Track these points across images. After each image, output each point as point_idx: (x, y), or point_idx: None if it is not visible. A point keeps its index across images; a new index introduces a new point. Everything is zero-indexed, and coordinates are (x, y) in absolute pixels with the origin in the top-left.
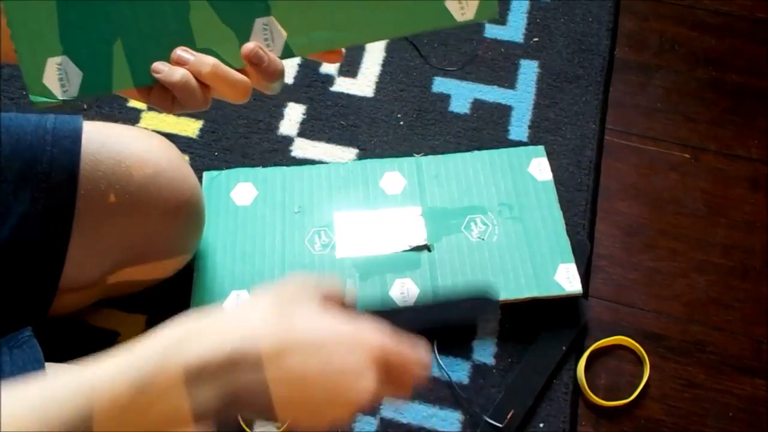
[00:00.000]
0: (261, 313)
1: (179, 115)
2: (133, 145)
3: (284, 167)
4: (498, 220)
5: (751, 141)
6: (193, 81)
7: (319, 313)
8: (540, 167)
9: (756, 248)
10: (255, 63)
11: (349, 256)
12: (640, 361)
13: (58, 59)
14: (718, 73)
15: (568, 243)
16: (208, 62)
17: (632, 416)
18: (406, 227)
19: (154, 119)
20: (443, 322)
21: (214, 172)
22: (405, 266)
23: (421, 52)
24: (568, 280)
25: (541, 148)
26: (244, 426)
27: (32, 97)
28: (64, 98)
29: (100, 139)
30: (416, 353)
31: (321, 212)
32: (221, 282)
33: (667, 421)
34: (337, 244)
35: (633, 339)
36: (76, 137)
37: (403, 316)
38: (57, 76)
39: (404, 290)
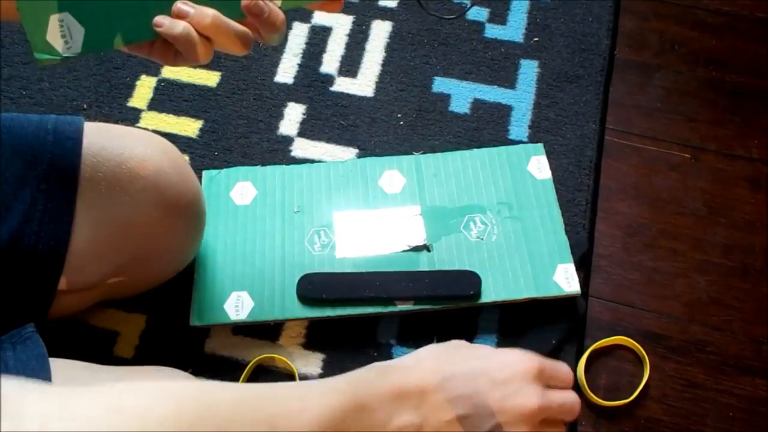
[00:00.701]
0: (430, 356)
1: (195, 67)
2: (134, 147)
3: (284, 166)
4: (497, 220)
5: (751, 141)
6: (194, 34)
7: (474, 349)
8: (539, 165)
9: (756, 248)
10: (256, 14)
11: (348, 256)
12: (640, 361)
13: (60, 16)
14: (718, 73)
15: (567, 243)
16: (208, 14)
17: (632, 416)
18: (405, 227)
19: (154, 119)
20: (433, 290)
21: (213, 171)
22: (404, 266)
23: (422, 3)
24: (566, 280)
25: (540, 146)
26: None
27: (37, 55)
28: (68, 55)
29: (102, 141)
30: (562, 366)
31: (320, 212)
32: (221, 283)
33: (667, 421)
34: (336, 245)
35: (633, 339)
36: (77, 138)
37: (400, 279)
38: (60, 33)
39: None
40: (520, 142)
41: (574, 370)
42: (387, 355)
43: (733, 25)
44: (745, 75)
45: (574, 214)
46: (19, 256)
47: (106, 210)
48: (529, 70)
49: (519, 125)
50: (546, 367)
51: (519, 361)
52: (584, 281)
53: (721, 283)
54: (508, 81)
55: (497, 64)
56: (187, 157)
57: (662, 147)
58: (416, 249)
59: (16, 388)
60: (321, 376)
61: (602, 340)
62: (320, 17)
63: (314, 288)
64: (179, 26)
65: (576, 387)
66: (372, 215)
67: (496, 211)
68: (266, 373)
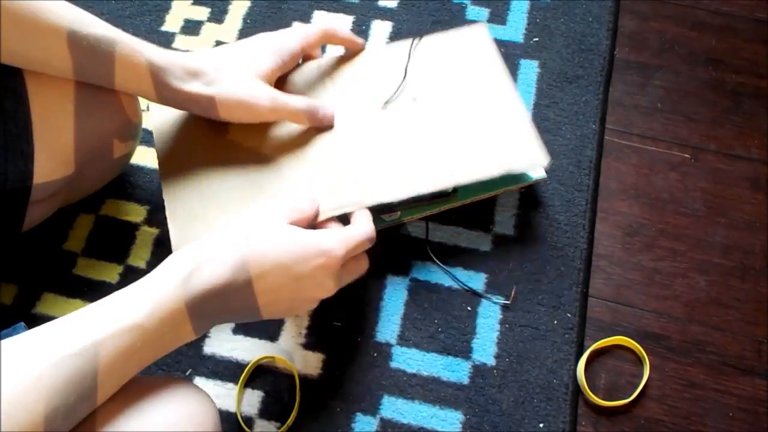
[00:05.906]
0: (236, 247)
1: None
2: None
3: None
4: None
5: (751, 141)
6: None
7: (285, 235)
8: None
9: (756, 248)
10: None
11: None
12: (640, 361)
13: None
14: (718, 73)
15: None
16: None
17: (632, 416)
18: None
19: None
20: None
21: None
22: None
23: None
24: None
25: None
26: (244, 426)
27: None
28: None
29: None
30: (363, 232)
31: None
32: None
33: (667, 421)
34: None
35: (633, 339)
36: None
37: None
38: None
39: None
40: None
41: (574, 370)
42: (387, 355)
43: (733, 25)
44: (745, 75)
45: (574, 214)
46: None
47: (63, 133)
48: (529, 70)
49: None
50: (349, 251)
51: (321, 256)
52: (584, 281)
53: (721, 283)
54: None
55: None
56: None
57: (662, 147)
58: None
59: None
60: (321, 376)
61: (602, 340)
62: (320, 17)
63: None
64: None
65: (576, 387)
66: None
67: None
68: (266, 373)
